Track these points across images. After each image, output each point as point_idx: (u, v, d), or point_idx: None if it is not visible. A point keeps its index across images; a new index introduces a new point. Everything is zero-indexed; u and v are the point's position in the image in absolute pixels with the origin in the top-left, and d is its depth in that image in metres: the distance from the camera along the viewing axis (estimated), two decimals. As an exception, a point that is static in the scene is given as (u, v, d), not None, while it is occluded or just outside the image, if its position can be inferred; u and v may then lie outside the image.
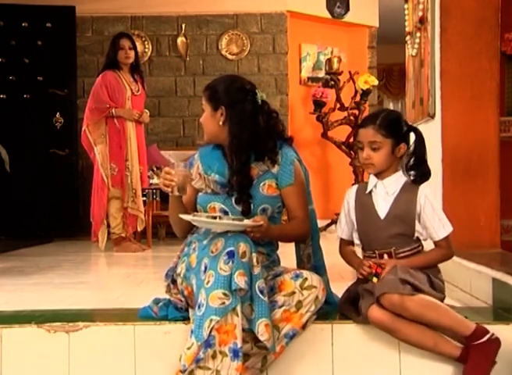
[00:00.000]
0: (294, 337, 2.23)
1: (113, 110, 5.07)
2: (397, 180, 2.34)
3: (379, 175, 2.36)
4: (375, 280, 2.25)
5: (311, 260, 2.49)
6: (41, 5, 6.34)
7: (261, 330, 2.09)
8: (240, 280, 2.06)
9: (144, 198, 5.47)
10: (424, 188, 2.34)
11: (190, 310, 2.30)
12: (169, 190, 2.29)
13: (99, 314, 2.56)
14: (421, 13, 3.68)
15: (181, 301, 2.35)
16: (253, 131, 2.31)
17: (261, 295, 2.11)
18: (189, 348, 2.08)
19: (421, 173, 2.33)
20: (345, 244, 2.48)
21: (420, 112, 3.69)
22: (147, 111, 5.33)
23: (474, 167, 3.26)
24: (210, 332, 2.03)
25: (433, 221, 2.31)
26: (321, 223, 6.48)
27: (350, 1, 7.17)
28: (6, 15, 6.41)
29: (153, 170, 5.96)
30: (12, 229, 6.25)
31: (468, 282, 2.91)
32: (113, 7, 6.61)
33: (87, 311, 2.65)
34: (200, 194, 2.41)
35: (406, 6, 4.11)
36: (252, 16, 6.76)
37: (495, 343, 2.17)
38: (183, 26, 6.72)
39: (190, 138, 6.76)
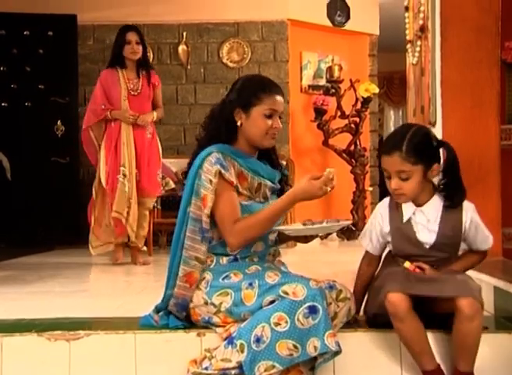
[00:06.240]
0: None
1: (109, 113, 4.69)
2: (436, 203, 2.15)
3: (415, 201, 2.15)
4: (407, 264, 2.14)
5: None
6: (43, 14, 6.37)
7: None
8: (330, 342, 1.98)
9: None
10: (467, 204, 2.18)
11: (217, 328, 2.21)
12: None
13: (100, 322, 2.55)
14: (421, 22, 3.69)
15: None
16: None
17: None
18: (224, 360, 2.04)
19: (455, 195, 2.12)
20: (369, 261, 2.30)
21: (421, 120, 3.69)
22: (154, 113, 4.85)
23: (475, 175, 3.25)
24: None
25: (477, 236, 2.19)
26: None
27: (351, 9, 7.20)
28: (8, 23, 6.44)
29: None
30: (12, 237, 6.24)
31: (470, 290, 2.89)
32: (114, 15, 6.62)
33: (88, 319, 2.65)
34: (249, 202, 2.25)
35: (406, 15, 4.12)
36: (253, 24, 6.78)
37: None
38: (184, 34, 6.74)
39: (191, 146, 6.74)
